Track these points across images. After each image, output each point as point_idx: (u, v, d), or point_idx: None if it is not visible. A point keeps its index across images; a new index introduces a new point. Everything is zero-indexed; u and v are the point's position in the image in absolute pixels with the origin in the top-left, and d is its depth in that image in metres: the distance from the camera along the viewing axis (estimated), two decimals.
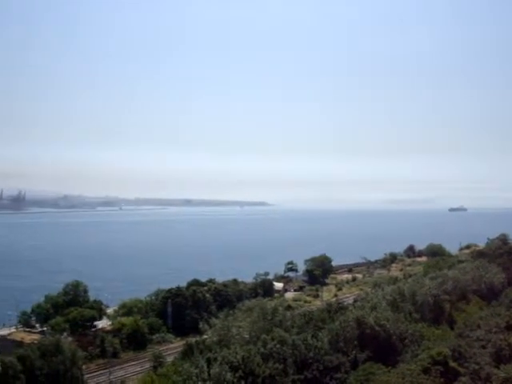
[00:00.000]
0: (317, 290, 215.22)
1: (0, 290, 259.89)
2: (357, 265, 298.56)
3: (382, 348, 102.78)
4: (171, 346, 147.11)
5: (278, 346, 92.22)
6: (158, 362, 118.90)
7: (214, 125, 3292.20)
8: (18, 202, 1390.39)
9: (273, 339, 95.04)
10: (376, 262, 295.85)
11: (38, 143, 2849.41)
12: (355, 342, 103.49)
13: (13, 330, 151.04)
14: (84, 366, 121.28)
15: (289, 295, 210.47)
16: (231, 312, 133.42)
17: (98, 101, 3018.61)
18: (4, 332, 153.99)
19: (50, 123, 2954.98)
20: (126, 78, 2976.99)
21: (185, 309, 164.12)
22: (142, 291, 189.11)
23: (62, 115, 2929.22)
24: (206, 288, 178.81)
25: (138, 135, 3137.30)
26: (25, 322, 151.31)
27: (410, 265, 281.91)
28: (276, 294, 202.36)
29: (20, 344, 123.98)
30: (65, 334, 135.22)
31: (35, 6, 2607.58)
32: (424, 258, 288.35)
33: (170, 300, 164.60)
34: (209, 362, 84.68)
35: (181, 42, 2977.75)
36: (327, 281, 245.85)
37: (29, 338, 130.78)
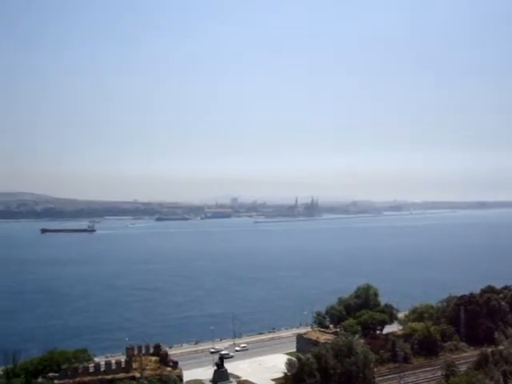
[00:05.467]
0: None
1: (301, 290, 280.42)
2: None
3: None
4: (464, 354, 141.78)
5: None
6: (449, 370, 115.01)
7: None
8: (311, 209, 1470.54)
9: None
10: None
11: (322, 153, 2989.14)
12: None
13: (308, 328, 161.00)
14: (375, 369, 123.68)
15: None
16: None
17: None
18: (301, 330, 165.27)
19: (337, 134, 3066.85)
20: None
21: (478, 317, 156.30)
22: (433, 296, 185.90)
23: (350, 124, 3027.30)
24: (501, 295, 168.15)
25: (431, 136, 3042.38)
26: (319, 321, 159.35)
27: None
28: None
29: (315, 343, 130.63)
30: (357, 335, 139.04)
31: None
32: None
33: (462, 307, 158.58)
34: (505, 375, 79.69)
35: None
36: None
37: (323, 337, 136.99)
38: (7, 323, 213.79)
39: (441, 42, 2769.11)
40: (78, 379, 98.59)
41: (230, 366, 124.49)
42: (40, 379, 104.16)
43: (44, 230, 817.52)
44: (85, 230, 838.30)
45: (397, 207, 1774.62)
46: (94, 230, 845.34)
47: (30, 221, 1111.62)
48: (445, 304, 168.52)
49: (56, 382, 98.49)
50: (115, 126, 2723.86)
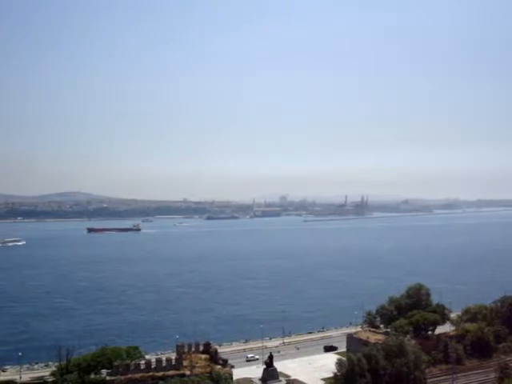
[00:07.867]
0: None
1: (353, 289, 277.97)
2: None
3: None
4: None
5: None
6: (504, 372, 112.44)
7: None
8: (360, 208, 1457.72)
9: None
10: None
11: (372, 151, 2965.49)
12: None
13: (359, 328, 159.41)
14: (427, 370, 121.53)
15: None
16: None
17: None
18: (351, 330, 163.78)
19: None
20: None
21: None
22: (490, 296, 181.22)
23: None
24: None
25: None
26: (370, 321, 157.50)
27: None
28: None
29: (365, 343, 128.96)
30: (408, 336, 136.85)
31: None
32: None
33: None
34: None
35: None
36: None
37: (374, 337, 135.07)
38: (62, 321, 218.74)
39: None
40: (129, 376, 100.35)
41: (279, 365, 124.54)
42: (92, 375, 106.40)
43: (90, 230, 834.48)
44: (130, 229, 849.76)
45: (449, 205, 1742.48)
46: (139, 229, 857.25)
47: (82, 220, 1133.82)
48: (499, 304, 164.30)
49: (107, 378, 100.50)
50: (167, 126, 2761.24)
